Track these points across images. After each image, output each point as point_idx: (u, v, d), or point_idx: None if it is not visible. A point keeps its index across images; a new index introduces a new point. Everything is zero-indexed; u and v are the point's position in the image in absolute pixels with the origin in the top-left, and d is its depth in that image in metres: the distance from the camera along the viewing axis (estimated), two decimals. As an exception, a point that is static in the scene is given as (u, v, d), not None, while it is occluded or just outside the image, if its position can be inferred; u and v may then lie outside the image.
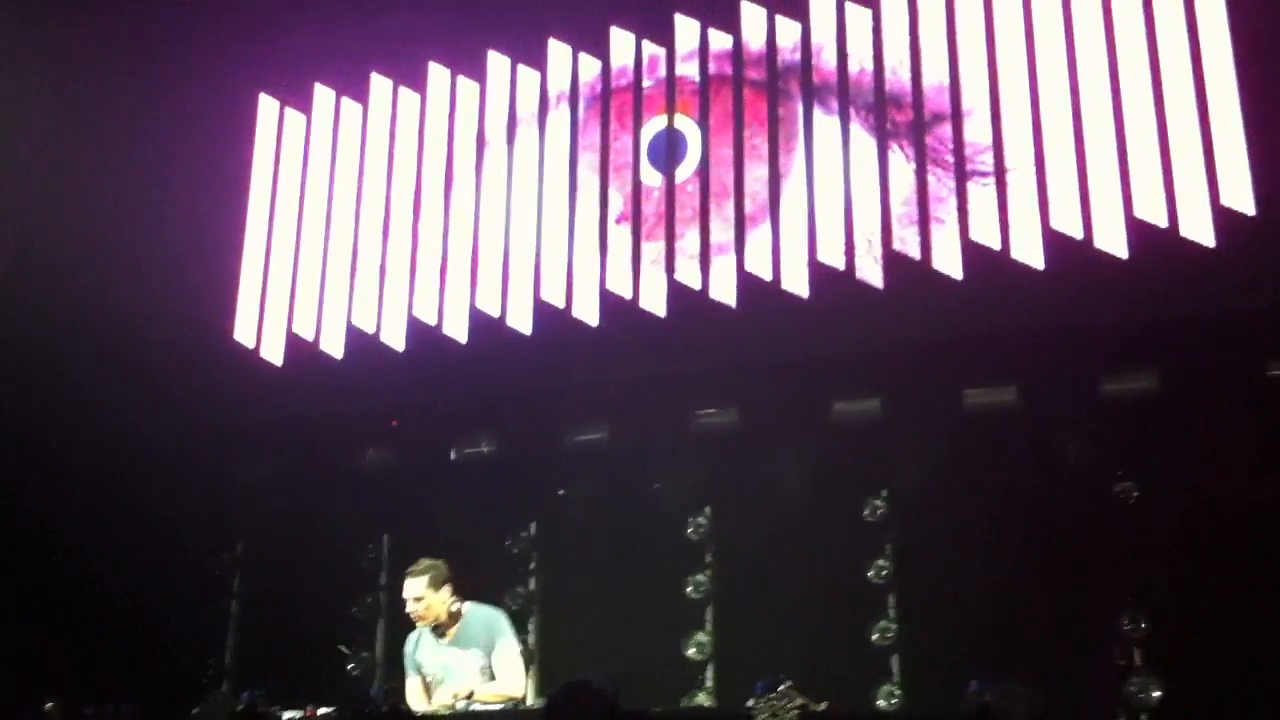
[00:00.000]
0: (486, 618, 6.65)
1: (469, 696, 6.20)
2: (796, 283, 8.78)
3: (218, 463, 9.97)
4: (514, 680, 6.44)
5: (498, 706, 6.23)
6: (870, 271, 8.64)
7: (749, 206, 9.07)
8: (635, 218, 9.37)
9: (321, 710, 6.34)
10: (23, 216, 9.80)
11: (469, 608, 6.65)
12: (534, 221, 9.61)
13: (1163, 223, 7.96)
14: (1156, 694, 7.68)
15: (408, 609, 6.62)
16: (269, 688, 6.82)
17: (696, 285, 9.02)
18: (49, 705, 6.71)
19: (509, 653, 6.51)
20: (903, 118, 8.86)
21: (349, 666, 9.34)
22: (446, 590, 6.57)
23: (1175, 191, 7.98)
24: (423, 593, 6.54)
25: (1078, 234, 8.16)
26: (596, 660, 7.05)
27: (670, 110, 9.51)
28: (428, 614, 6.56)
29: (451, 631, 6.59)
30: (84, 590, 9.25)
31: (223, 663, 9.91)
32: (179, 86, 10.34)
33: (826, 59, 9.13)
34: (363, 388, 9.69)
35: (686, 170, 9.35)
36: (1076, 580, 7.98)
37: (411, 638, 6.76)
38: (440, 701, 6.37)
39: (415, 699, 6.60)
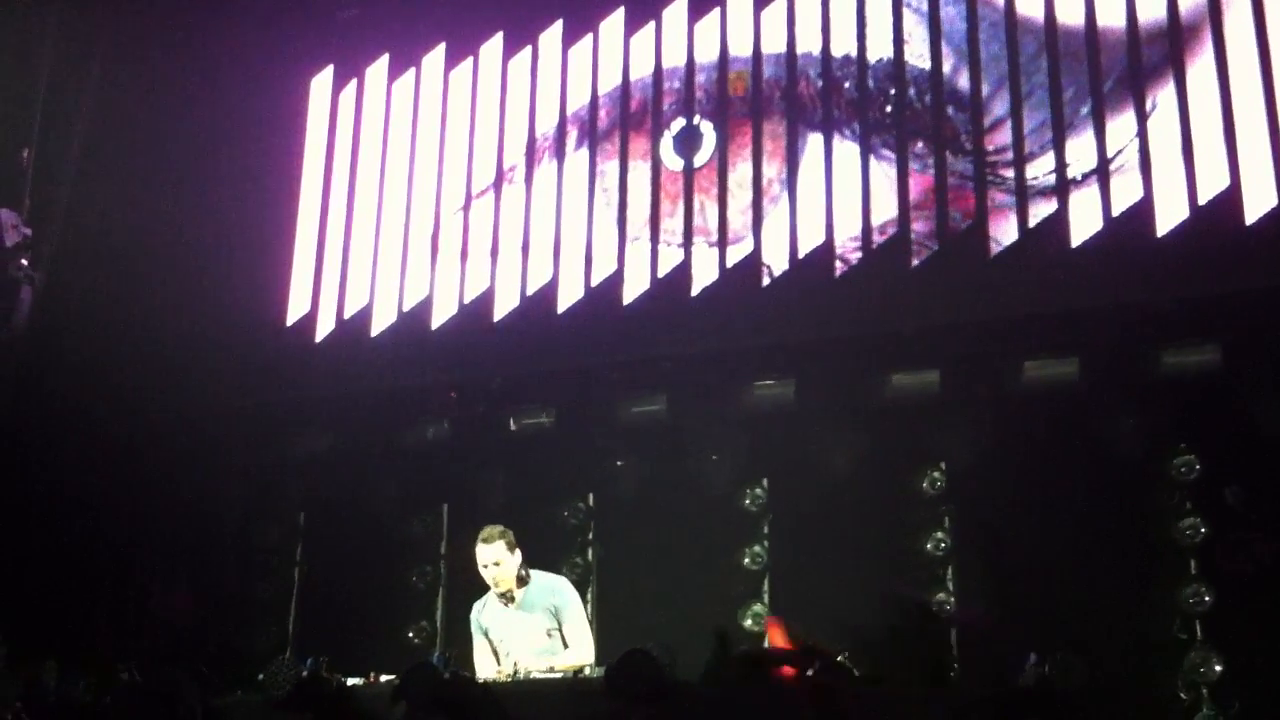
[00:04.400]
0: (552, 584, 6.78)
1: (549, 670, 6.30)
2: (854, 255, 8.76)
3: (281, 435, 10.09)
4: (585, 649, 6.55)
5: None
6: (928, 242, 8.61)
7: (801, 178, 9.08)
8: (687, 194, 9.38)
9: (384, 677, 6.43)
10: (75, 200, 9.91)
11: (535, 574, 6.76)
12: (585, 199, 9.64)
13: (1226, 194, 7.87)
14: (1217, 668, 7.64)
15: (485, 573, 6.70)
16: (331, 655, 6.93)
17: (750, 259, 9.03)
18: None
19: (579, 622, 6.62)
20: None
21: (409, 635, 9.46)
22: (519, 554, 6.71)
23: (1239, 161, 7.89)
24: (501, 557, 6.66)
25: (1138, 206, 8.09)
26: (653, 631, 7.08)
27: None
28: (504, 578, 6.67)
29: (518, 596, 6.69)
30: (149, 563, 9.41)
31: (285, 630, 10.04)
32: (229, 65, 10.41)
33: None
34: (422, 361, 9.76)
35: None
36: (1137, 554, 7.94)
37: (477, 605, 6.87)
38: (508, 670, 6.47)
39: (483, 663, 6.72)
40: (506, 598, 6.71)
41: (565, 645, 6.58)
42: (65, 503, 9.27)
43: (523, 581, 6.70)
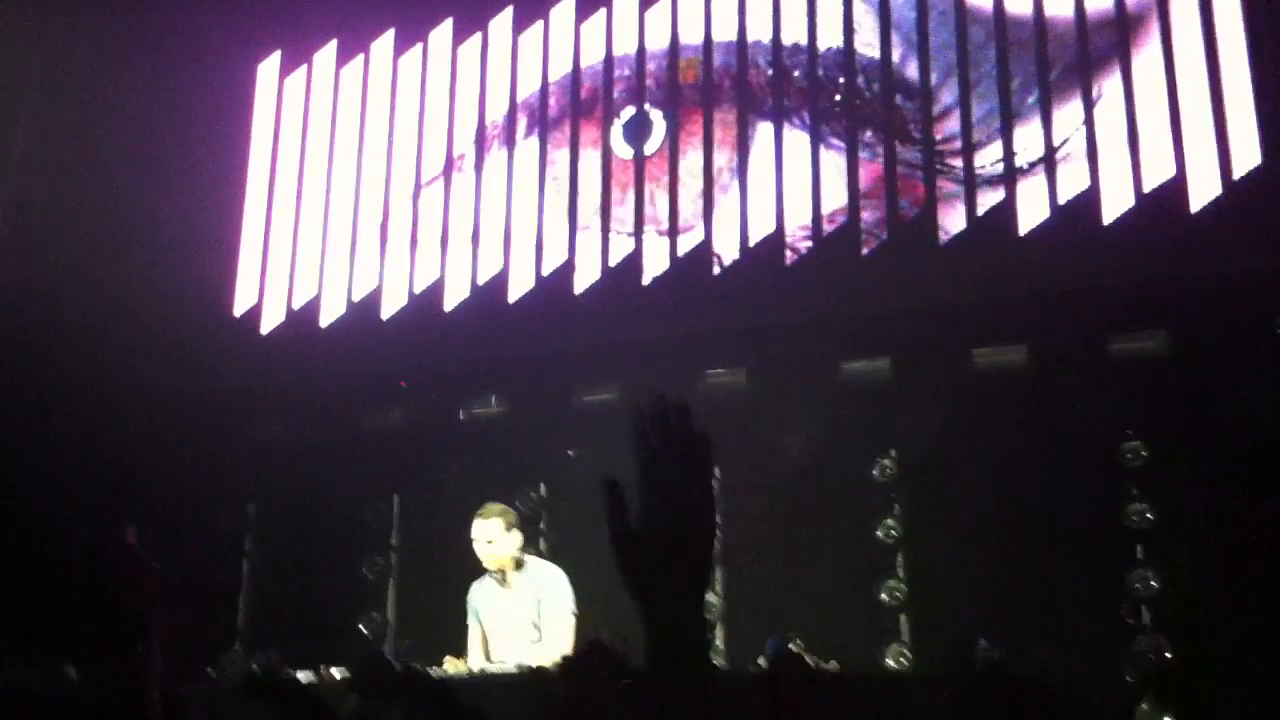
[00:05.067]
0: (543, 573, 6.77)
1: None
2: (804, 242, 8.78)
3: (230, 426, 10.00)
4: (562, 644, 6.50)
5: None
6: (877, 230, 8.65)
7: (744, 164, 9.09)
8: (638, 183, 9.37)
9: (335, 669, 6.40)
10: (19, 188, 9.78)
11: (532, 560, 6.76)
12: (535, 187, 9.61)
13: (1171, 182, 7.95)
14: (1165, 654, 7.72)
15: (478, 550, 6.67)
16: (282, 646, 6.88)
17: (701, 247, 9.05)
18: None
19: (560, 616, 6.58)
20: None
21: (360, 627, 9.42)
22: (517, 535, 6.68)
23: (1184, 149, 7.96)
24: (495, 534, 6.63)
25: (1085, 194, 8.15)
26: (607, 620, 7.08)
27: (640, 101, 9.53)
28: (497, 556, 6.63)
29: (511, 579, 6.67)
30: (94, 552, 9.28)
31: (235, 622, 9.96)
32: (175, 50, 10.29)
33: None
34: (372, 351, 9.71)
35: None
36: (1086, 539, 8.00)
37: (475, 584, 6.84)
38: (497, 656, 6.47)
39: (474, 647, 6.70)
40: (501, 579, 6.69)
41: (542, 638, 6.54)
42: (10, 491, 9.14)
43: (519, 565, 6.69)
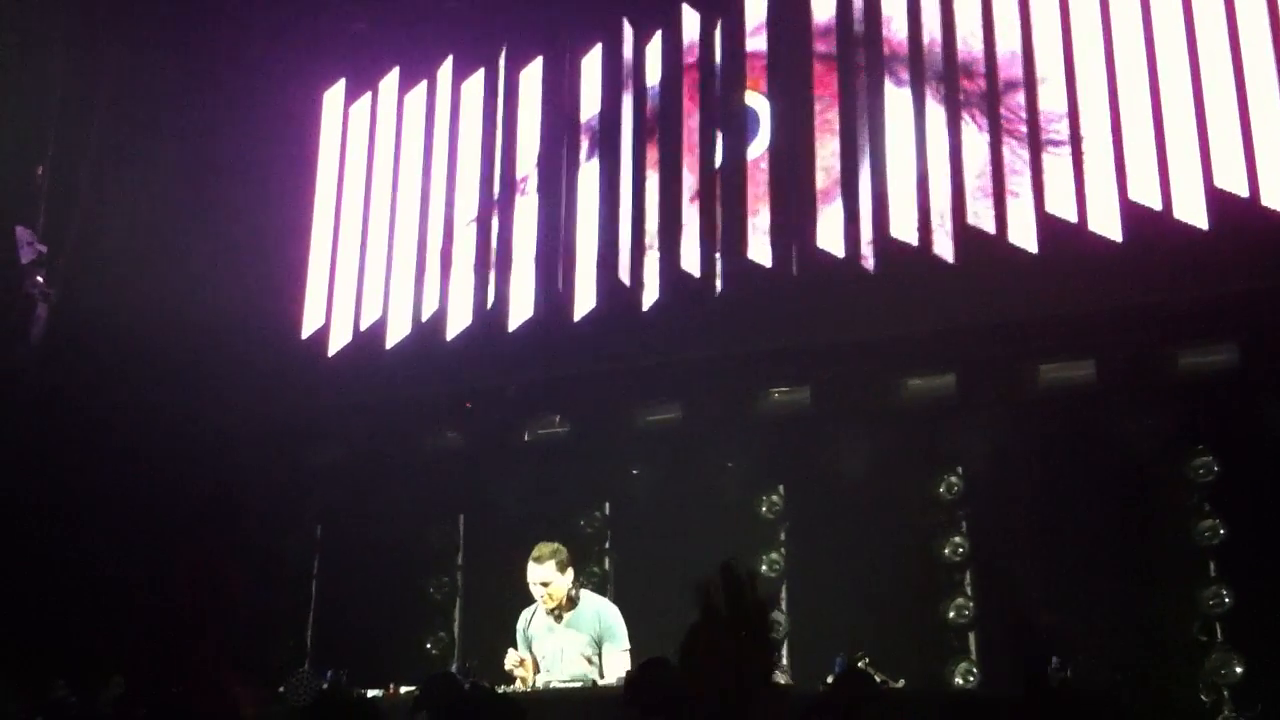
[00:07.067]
0: (600, 609, 6.85)
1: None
2: (869, 259, 8.75)
3: (297, 448, 10.10)
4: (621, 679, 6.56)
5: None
6: (944, 246, 8.59)
7: (822, 181, 9.04)
8: (703, 202, 9.37)
9: (404, 688, 6.44)
10: (90, 216, 9.94)
11: (585, 595, 6.83)
12: (598, 207, 9.66)
13: (1243, 193, 7.84)
14: (1239, 669, 7.60)
15: (535, 591, 6.76)
16: (350, 666, 6.94)
17: (768, 263, 9.02)
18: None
19: (620, 652, 6.66)
20: (974, 87, 8.78)
21: (427, 645, 9.46)
22: (570, 573, 6.78)
23: (1256, 161, 7.85)
24: (550, 577, 6.73)
25: (1156, 205, 8.06)
26: (670, 640, 7.08)
27: (740, 88, 9.50)
28: (554, 596, 6.72)
29: (567, 615, 6.75)
30: (163, 575, 9.41)
31: (304, 643, 10.04)
32: (242, 79, 10.45)
33: (896, 29, 9.08)
34: (437, 372, 9.78)
35: (759, 148, 9.34)
36: (1156, 556, 7.90)
37: (525, 614, 6.94)
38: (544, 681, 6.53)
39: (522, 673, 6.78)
40: (556, 614, 6.77)
41: (602, 674, 6.60)
42: (81, 517, 9.28)
43: (573, 602, 6.77)
